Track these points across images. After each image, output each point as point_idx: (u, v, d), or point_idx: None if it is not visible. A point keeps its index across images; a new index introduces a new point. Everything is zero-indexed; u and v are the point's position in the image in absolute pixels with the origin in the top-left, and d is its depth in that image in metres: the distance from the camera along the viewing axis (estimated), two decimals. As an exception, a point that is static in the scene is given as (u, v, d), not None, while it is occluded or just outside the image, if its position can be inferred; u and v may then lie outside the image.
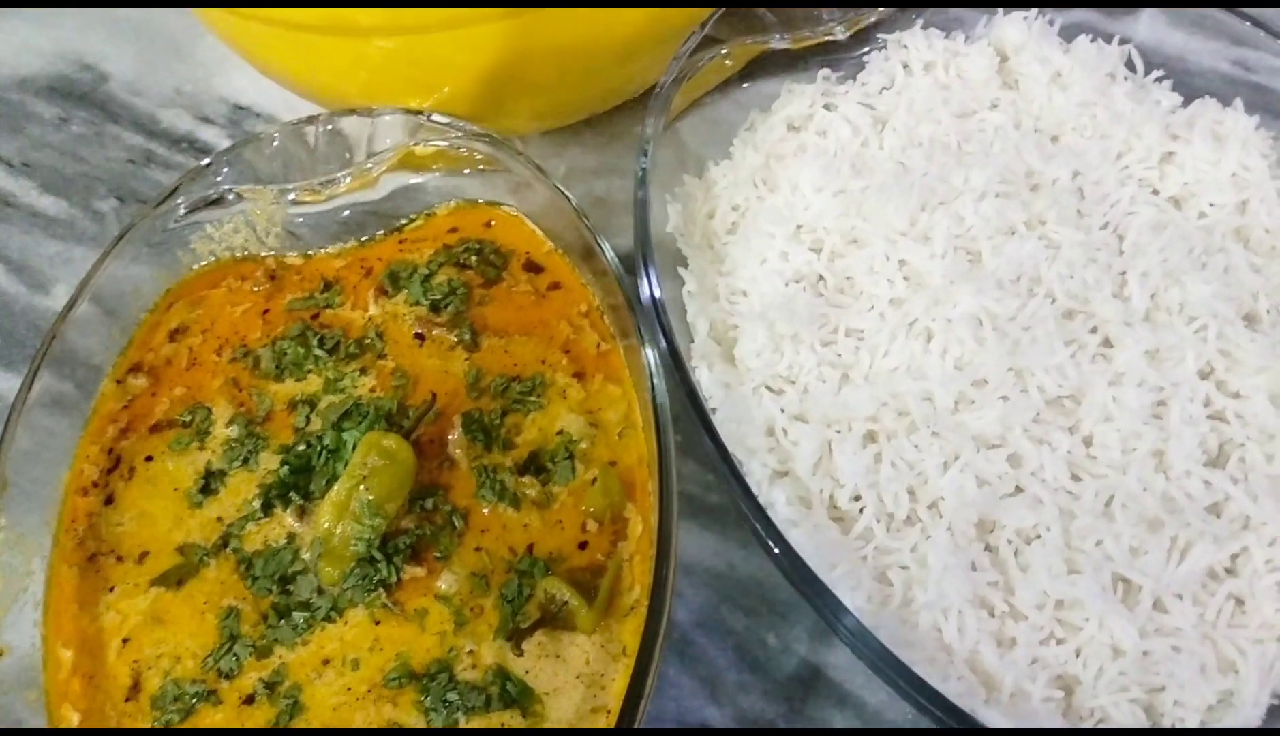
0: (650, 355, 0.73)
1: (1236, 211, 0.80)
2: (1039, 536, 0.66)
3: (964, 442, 0.69)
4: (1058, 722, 0.62)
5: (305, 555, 0.73)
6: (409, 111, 0.87)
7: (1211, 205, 0.80)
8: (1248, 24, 0.90)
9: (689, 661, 0.77)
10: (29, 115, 1.16)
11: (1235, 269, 0.75)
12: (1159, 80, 0.90)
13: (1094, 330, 0.74)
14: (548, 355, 0.82)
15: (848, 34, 0.92)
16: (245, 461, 0.79)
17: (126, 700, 0.70)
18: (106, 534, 0.77)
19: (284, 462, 0.77)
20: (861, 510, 0.70)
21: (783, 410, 0.74)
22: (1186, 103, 0.87)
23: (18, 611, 0.72)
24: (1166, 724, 0.62)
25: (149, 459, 0.80)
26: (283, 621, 0.71)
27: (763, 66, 0.95)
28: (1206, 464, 0.69)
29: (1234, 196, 0.80)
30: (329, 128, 0.88)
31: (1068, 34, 0.93)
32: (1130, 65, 0.91)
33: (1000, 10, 0.93)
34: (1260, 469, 0.67)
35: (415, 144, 0.88)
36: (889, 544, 0.68)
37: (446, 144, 0.88)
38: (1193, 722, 0.61)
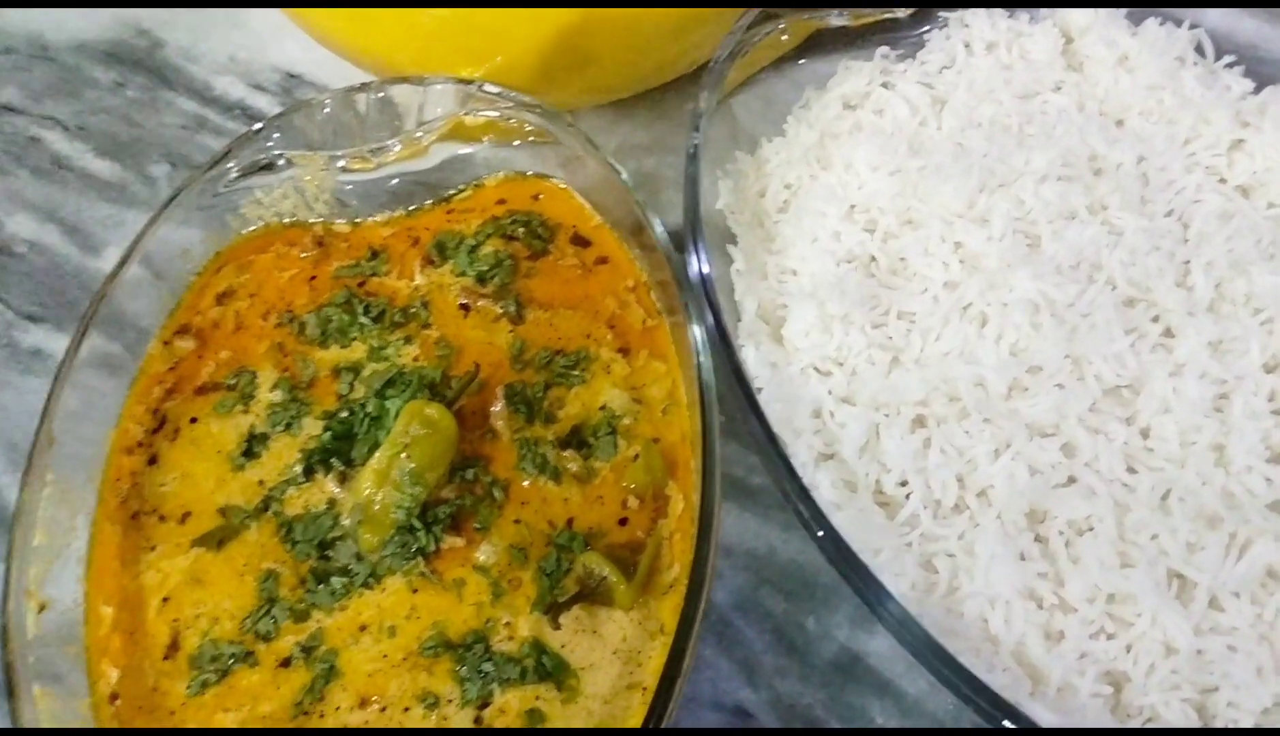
0: (697, 332, 0.72)
1: (1309, 203, 0.77)
2: (1091, 528, 0.65)
3: (1016, 430, 0.67)
4: (1106, 719, 0.60)
5: (345, 521, 0.73)
6: (460, 81, 0.86)
7: (1282, 195, 0.78)
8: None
9: (726, 643, 0.76)
10: (86, 79, 1.16)
11: (1305, 261, 0.73)
12: (1229, 66, 0.87)
13: (1155, 319, 0.71)
14: (593, 329, 0.81)
15: (908, 12, 0.90)
16: (288, 426, 0.79)
17: (165, 658, 0.70)
18: (150, 493, 0.77)
19: (326, 428, 0.77)
20: (908, 496, 0.68)
21: (830, 392, 0.73)
22: (1258, 90, 0.84)
23: (61, 566, 0.72)
24: (1219, 724, 0.60)
25: (194, 420, 0.80)
26: (321, 586, 0.71)
27: (820, 44, 0.93)
28: (1269, 460, 0.66)
29: (1305, 187, 0.77)
30: (380, 95, 0.88)
31: (1135, 18, 0.90)
32: (1200, 50, 0.88)
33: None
34: (1326, 467, 0.65)
35: (466, 114, 0.87)
36: (936, 531, 0.66)
37: (497, 115, 0.87)
38: (1247, 724, 0.59)
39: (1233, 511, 0.64)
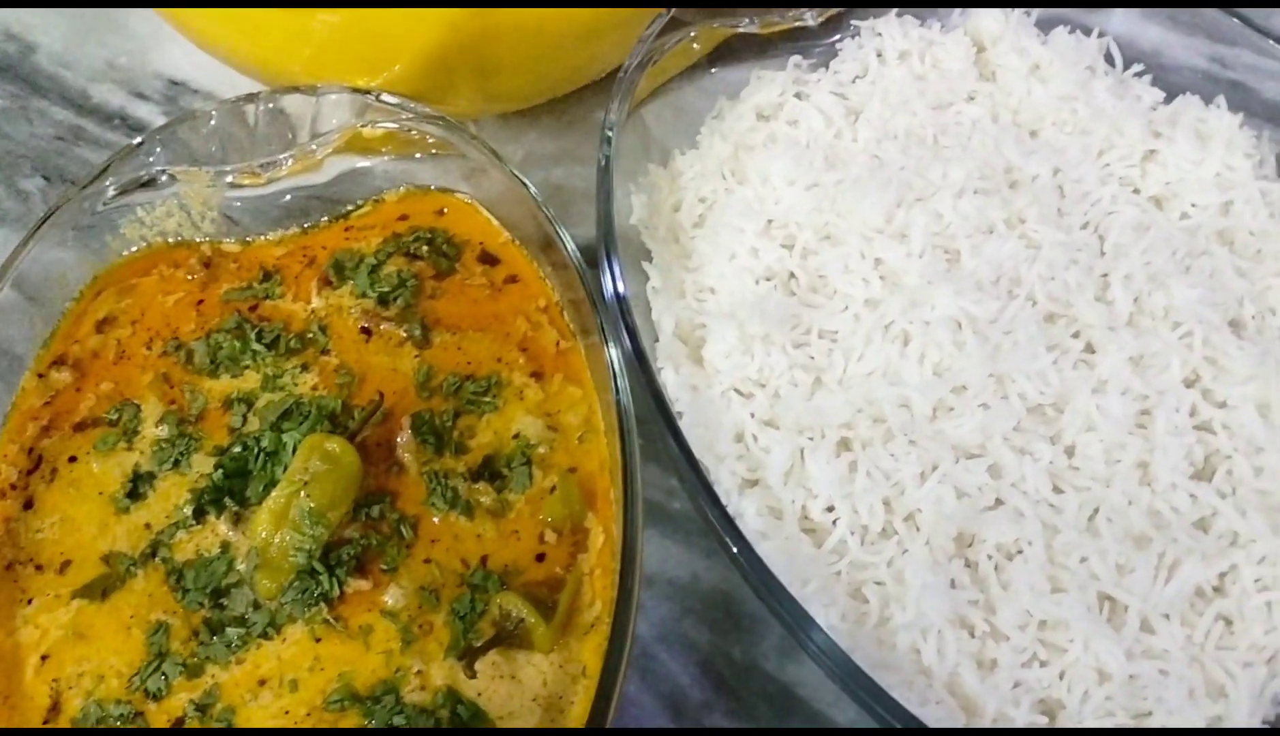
0: (614, 355, 0.69)
1: (1220, 213, 0.77)
2: (1020, 552, 0.63)
3: (942, 452, 0.66)
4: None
5: (240, 566, 0.68)
6: (356, 90, 0.82)
7: (1194, 206, 0.78)
8: (1226, 18, 0.88)
9: (650, 677, 0.73)
10: (-52, 87, 1.09)
11: (1220, 273, 0.73)
12: (1138, 75, 0.87)
13: (1076, 335, 0.71)
14: (504, 353, 0.77)
15: (819, 20, 0.89)
16: (176, 463, 0.73)
17: (45, 722, 0.65)
18: (25, 541, 0.71)
19: (218, 465, 0.71)
20: (835, 522, 0.66)
21: (753, 415, 0.71)
22: (1168, 99, 0.85)
23: (-75, 626, 0.66)
24: (1153, 750, 0.59)
25: (72, 459, 0.74)
26: (215, 638, 0.66)
27: (731, 52, 0.91)
28: (1193, 476, 0.66)
29: (1217, 197, 0.77)
30: (270, 106, 0.83)
31: (1044, 26, 0.90)
32: (1109, 59, 0.88)
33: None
34: (1248, 482, 0.65)
35: (363, 125, 0.83)
36: (864, 558, 0.65)
37: (396, 126, 0.83)
38: (1180, 749, 0.59)
39: (1160, 531, 0.63)
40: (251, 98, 0.82)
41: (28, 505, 0.73)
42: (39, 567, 0.70)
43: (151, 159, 0.81)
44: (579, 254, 0.74)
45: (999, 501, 0.65)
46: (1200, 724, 0.59)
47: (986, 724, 0.59)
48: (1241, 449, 0.66)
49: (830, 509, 0.67)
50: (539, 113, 1.02)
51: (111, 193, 0.80)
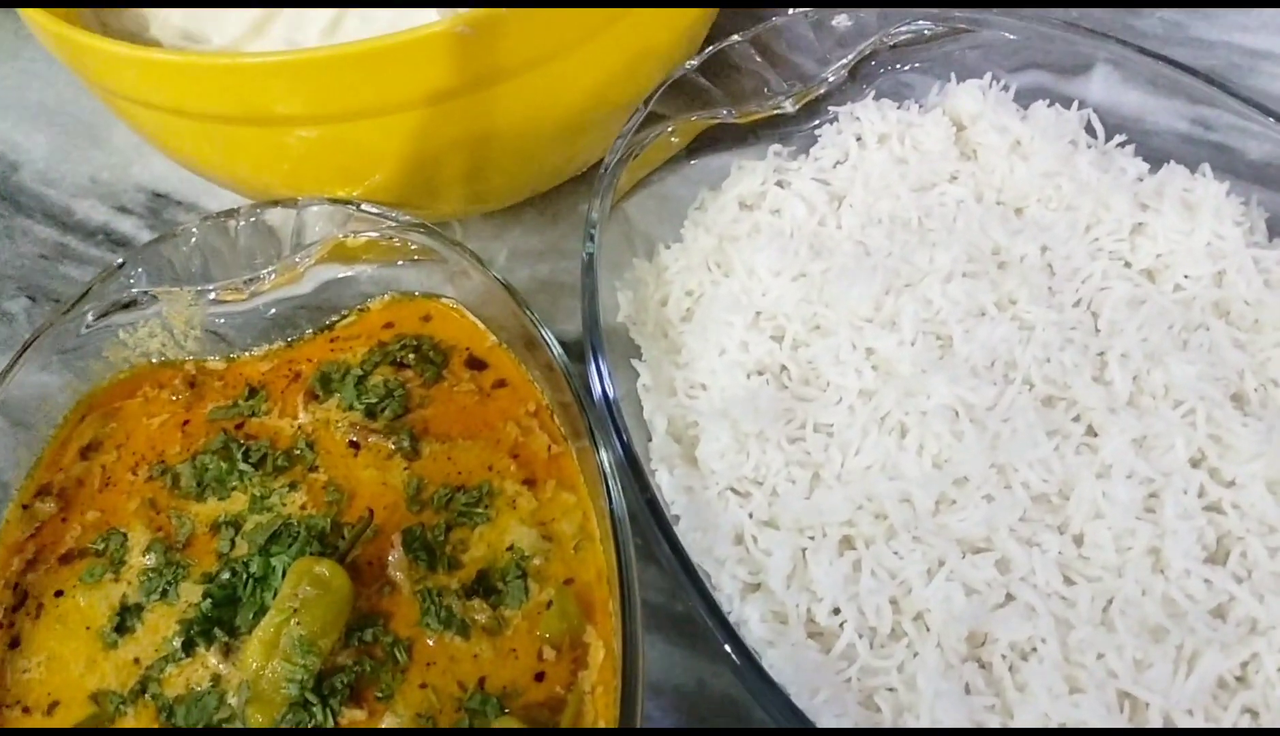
0: (605, 459, 0.67)
1: (1213, 283, 0.76)
2: (1035, 650, 0.61)
3: (948, 547, 0.64)
4: (1068, 862, 0.56)
5: (232, 700, 0.66)
6: (337, 201, 0.82)
7: (1187, 277, 0.77)
8: (1204, 84, 0.87)
9: (658, 795, 0.71)
10: (-69, 210, 1.09)
11: (1219, 346, 0.71)
12: (1121, 145, 0.87)
13: (1076, 418, 0.69)
14: (495, 461, 0.76)
15: (796, 107, 0.88)
16: (164, 593, 0.71)
17: None
18: (12, 682, 0.69)
19: (206, 594, 0.70)
20: (842, 625, 0.64)
21: (751, 516, 0.69)
22: (1153, 169, 0.84)
23: (-94, 783, 0.64)
24: (1185, 857, 0.57)
25: (59, 593, 0.73)
26: (209, 777, 0.64)
27: (710, 142, 0.91)
28: (1206, 560, 0.64)
29: (1209, 267, 0.76)
30: (251, 220, 0.82)
31: (1023, 98, 0.90)
32: (1090, 130, 0.88)
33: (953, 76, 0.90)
34: (1264, 565, 0.63)
35: (345, 235, 0.82)
36: (874, 663, 0.62)
37: (378, 234, 0.82)
38: (1213, 853, 0.56)
39: (1177, 621, 0.61)
40: (232, 213, 0.82)
41: (14, 644, 0.71)
42: (25, 710, 0.68)
43: (132, 280, 0.80)
44: (565, 355, 0.73)
45: (1009, 597, 0.63)
46: (1233, 824, 0.57)
47: (1010, 836, 0.57)
48: (1254, 529, 0.64)
49: (836, 611, 0.65)
50: (522, 209, 1.01)
51: (91, 317, 0.80)
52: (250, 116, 0.77)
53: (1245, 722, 0.59)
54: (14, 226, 1.09)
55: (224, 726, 0.65)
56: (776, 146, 0.88)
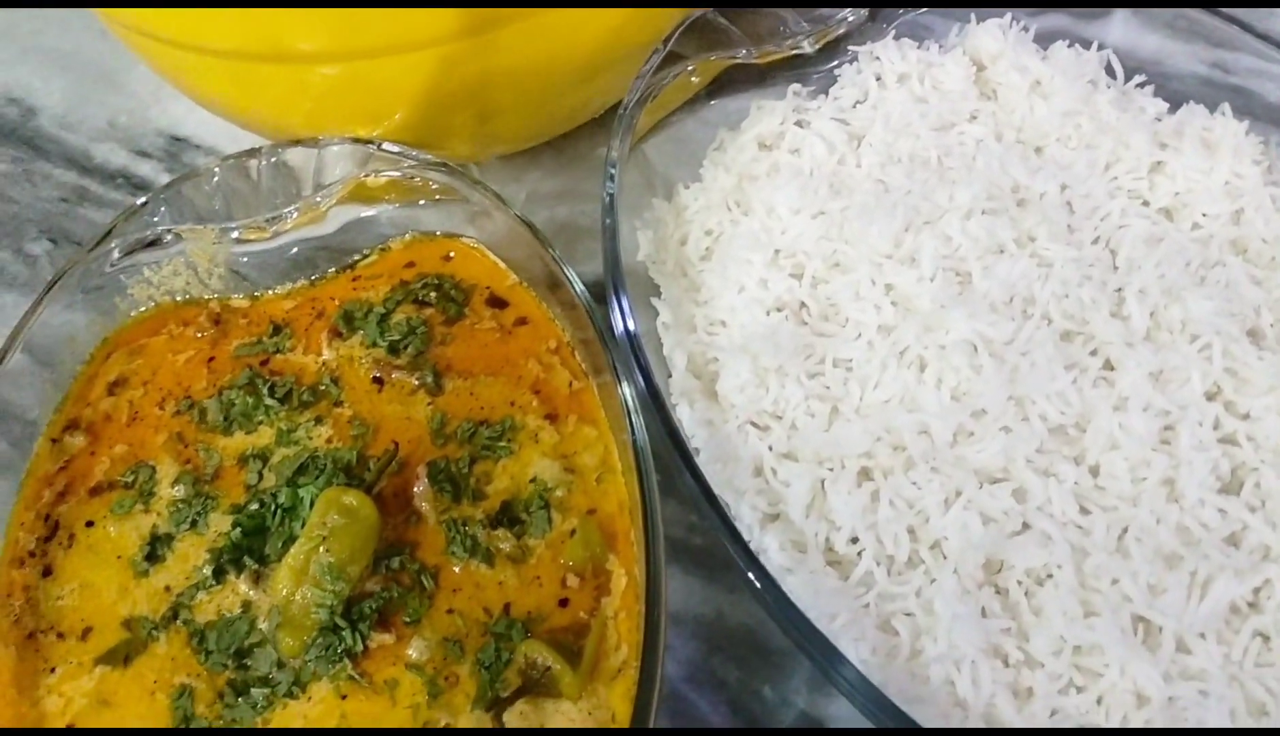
0: (627, 393, 0.68)
1: (1231, 221, 0.77)
2: (1050, 576, 0.62)
3: (965, 478, 0.65)
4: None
5: (262, 625, 0.68)
6: (358, 141, 0.82)
7: (1205, 216, 0.77)
8: (1225, 24, 0.87)
9: (680, 719, 0.72)
10: (-49, 155, 1.09)
11: (1235, 283, 0.72)
12: (1140, 86, 0.87)
13: (1094, 352, 0.70)
14: (517, 396, 0.77)
15: (816, 46, 0.88)
16: (193, 524, 0.73)
17: (71, 795, 0.64)
18: (46, 609, 0.71)
19: (235, 524, 0.71)
20: (860, 553, 0.66)
21: (770, 448, 0.70)
22: (1171, 109, 0.84)
23: (-53, 702, 0.66)
24: (1196, 774, 0.58)
25: (90, 524, 0.74)
26: (241, 699, 0.66)
27: (729, 82, 0.91)
28: (1220, 491, 0.65)
29: (1228, 206, 0.77)
30: (272, 160, 0.83)
31: (1042, 40, 0.90)
32: (1110, 71, 0.88)
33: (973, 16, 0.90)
34: (1277, 494, 0.64)
35: (366, 175, 0.83)
36: (892, 589, 0.64)
37: (399, 174, 0.83)
38: (1224, 771, 0.58)
39: (1191, 548, 0.62)
40: (253, 153, 0.82)
41: (46, 572, 0.72)
42: (60, 636, 0.70)
43: (156, 219, 0.81)
44: (587, 292, 0.74)
45: (1026, 525, 0.65)
46: (1245, 744, 0.58)
47: (1026, 754, 0.58)
48: (1268, 460, 0.65)
49: (854, 540, 0.66)
50: (540, 152, 1.02)
51: (117, 254, 0.80)
52: (273, 53, 0.77)
53: (1256, 646, 0.60)
54: (34, 170, 1.09)
55: (253, 649, 0.67)
56: (796, 86, 0.88)
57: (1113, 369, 0.69)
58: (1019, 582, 0.63)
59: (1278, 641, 0.61)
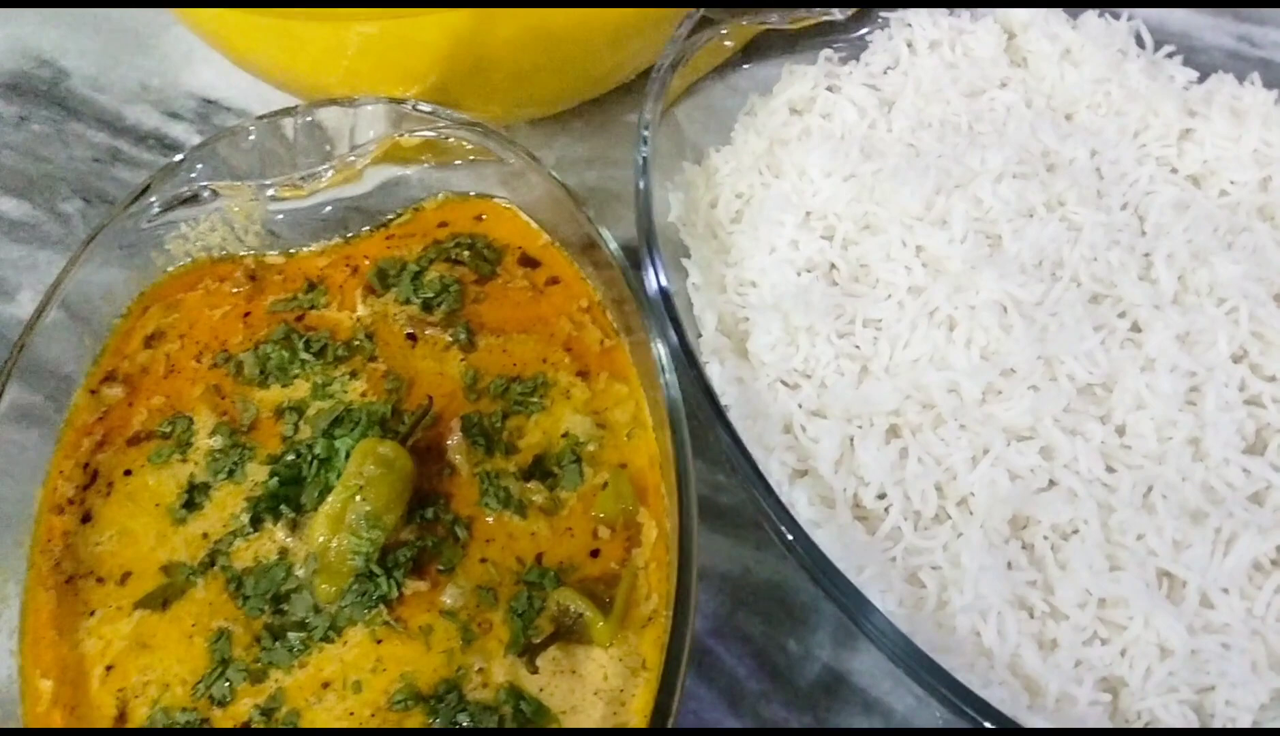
0: (660, 350, 0.69)
1: (1259, 189, 0.77)
2: (1076, 531, 0.64)
3: (993, 435, 0.66)
4: (1105, 726, 0.59)
5: (299, 571, 0.69)
6: (392, 101, 0.83)
7: (1233, 183, 0.78)
8: (1253, -2, 0.88)
9: (706, 671, 0.73)
10: (-14, 115, 1.11)
11: (1263, 248, 0.73)
12: (1169, 56, 0.87)
13: (1122, 314, 0.71)
14: (549, 353, 0.78)
15: (848, 13, 0.89)
16: (231, 473, 0.74)
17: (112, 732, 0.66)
18: (85, 554, 0.72)
19: (273, 474, 0.72)
20: (888, 509, 0.67)
21: (800, 405, 0.71)
22: (1200, 80, 0.85)
23: (-8, 640, 0.67)
24: (1218, 724, 0.59)
25: (128, 473, 0.75)
26: (277, 643, 0.67)
27: (761, 48, 0.92)
28: (1245, 451, 0.66)
29: (1256, 173, 0.77)
30: (307, 119, 0.84)
31: (1071, 10, 0.90)
32: (1139, 41, 0.88)
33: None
34: (1303, 455, 0.65)
35: (400, 135, 0.83)
36: (919, 543, 0.65)
37: (433, 134, 0.83)
38: (1245, 722, 0.59)
39: (1216, 506, 0.63)
40: (289, 111, 0.83)
41: (86, 519, 0.74)
42: (100, 580, 0.71)
43: (194, 175, 0.82)
44: (621, 252, 0.75)
45: (1052, 482, 0.65)
46: (1264, 696, 0.59)
47: (1050, 703, 0.59)
48: (1293, 422, 0.66)
49: (882, 496, 0.67)
50: (569, 117, 1.02)
51: (157, 208, 0.81)
52: (312, 11, 0.78)
53: (1279, 601, 0.61)
54: (66, 131, 1.10)
55: (289, 595, 0.68)
56: (827, 52, 0.89)
57: (1140, 331, 0.70)
58: (1045, 537, 0.64)
59: (1300, 597, 0.62)
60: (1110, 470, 0.66)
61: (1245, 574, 0.62)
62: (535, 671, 0.64)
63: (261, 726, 0.64)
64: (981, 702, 0.55)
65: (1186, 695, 0.59)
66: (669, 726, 0.56)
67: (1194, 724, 0.59)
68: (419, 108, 0.83)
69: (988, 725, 0.54)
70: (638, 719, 0.63)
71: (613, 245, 0.75)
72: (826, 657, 0.73)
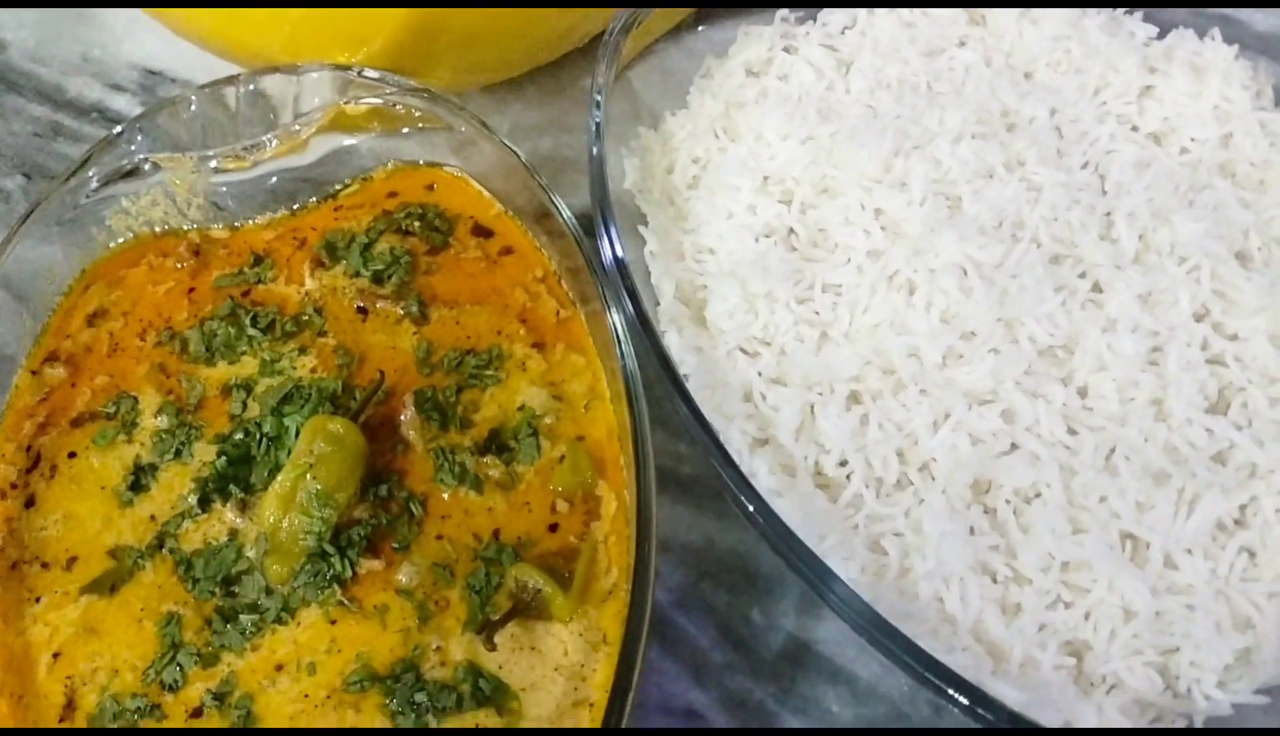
0: (616, 320, 0.68)
1: (1220, 146, 0.77)
2: (1039, 495, 0.63)
3: (954, 399, 0.65)
4: (1070, 691, 0.58)
5: (249, 552, 0.67)
6: (337, 67, 0.81)
7: (1193, 140, 0.77)
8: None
9: (670, 643, 0.72)
10: (-81, 89, 1.07)
11: (1224, 205, 0.72)
12: (1128, 11, 0.86)
13: (1083, 275, 0.70)
14: (503, 325, 0.76)
15: (804, -27, 0.87)
16: (177, 453, 0.72)
17: (60, 720, 0.64)
18: (29, 539, 0.70)
19: (221, 453, 0.70)
20: (849, 476, 0.66)
21: (760, 373, 0.70)
22: (1160, 36, 0.84)
23: (-67, 630, 0.65)
24: (1183, 686, 0.59)
25: (72, 455, 0.73)
26: (229, 625, 0.65)
27: (716, 11, 0.90)
28: (1208, 410, 0.66)
29: (1216, 130, 0.77)
30: (250, 88, 0.81)
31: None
32: (1098, -2, 0.87)
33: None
34: (1264, 413, 0.65)
35: (346, 102, 0.81)
36: (881, 510, 0.64)
37: (380, 101, 0.81)
38: (1210, 683, 0.58)
39: (1178, 466, 0.63)
40: (231, 80, 0.81)
41: (29, 503, 0.72)
42: (45, 565, 0.69)
43: (133, 147, 0.80)
44: (575, 222, 0.73)
45: (1014, 446, 0.65)
46: (1228, 657, 0.59)
47: (1013, 668, 0.59)
48: (1255, 380, 0.66)
49: (844, 463, 0.67)
50: (523, 83, 1.00)
51: (95, 183, 0.79)
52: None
53: (1242, 561, 0.61)
54: (5, 105, 1.07)
55: (240, 577, 0.67)
56: (784, 12, 0.87)
57: (1101, 291, 0.70)
58: (1007, 501, 0.63)
59: (1263, 556, 0.61)
60: (1072, 432, 0.65)
61: (1208, 534, 0.61)
62: (494, 648, 0.63)
63: (214, 713, 0.63)
64: (945, 669, 0.54)
65: (1151, 657, 0.59)
66: (628, 701, 0.55)
67: (1158, 686, 0.59)
68: (365, 74, 0.81)
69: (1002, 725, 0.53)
70: (598, 694, 0.62)
71: (567, 213, 0.73)
72: (791, 627, 0.72)
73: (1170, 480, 0.62)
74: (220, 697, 0.63)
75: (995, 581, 0.61)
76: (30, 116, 1.06)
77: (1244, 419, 0.65)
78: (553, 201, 0.74)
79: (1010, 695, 0.56)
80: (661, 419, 0.78)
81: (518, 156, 0.76)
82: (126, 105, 1.06)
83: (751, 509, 0.60)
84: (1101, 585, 0.59)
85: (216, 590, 0.67)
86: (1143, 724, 0.59)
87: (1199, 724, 0.59)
